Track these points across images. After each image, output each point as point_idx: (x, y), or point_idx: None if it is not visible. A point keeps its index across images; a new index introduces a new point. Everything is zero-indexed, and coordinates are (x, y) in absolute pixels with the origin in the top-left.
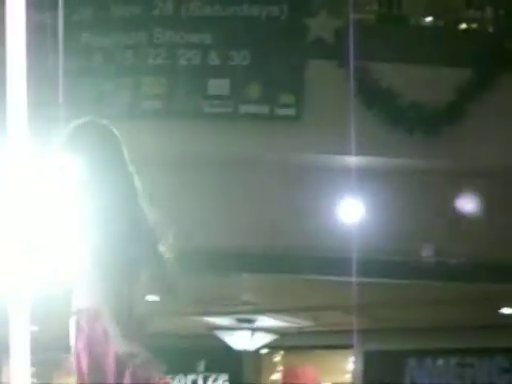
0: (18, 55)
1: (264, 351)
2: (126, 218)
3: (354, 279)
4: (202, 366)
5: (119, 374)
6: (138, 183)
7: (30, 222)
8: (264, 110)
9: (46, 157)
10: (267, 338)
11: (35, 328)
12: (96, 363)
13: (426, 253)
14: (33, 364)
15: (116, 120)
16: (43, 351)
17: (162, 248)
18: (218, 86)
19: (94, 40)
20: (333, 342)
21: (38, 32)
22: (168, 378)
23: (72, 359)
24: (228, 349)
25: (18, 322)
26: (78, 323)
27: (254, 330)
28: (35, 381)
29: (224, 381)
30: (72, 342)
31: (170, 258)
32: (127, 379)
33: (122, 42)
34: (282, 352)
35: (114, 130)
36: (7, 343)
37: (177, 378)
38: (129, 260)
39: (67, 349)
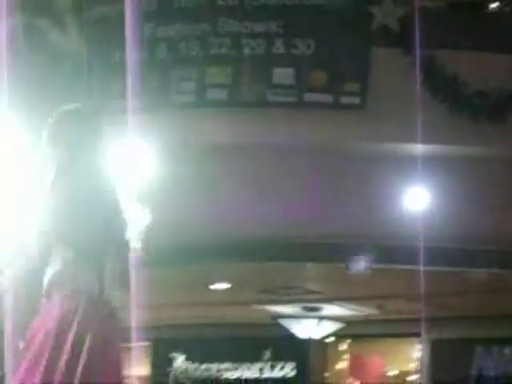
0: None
1: (330, 340)
2: (99, 208)
3: (420, 267)
4: (268, 354)
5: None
6: (114, 177)
7: None
8: (328, 98)
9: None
10: (333, 327)
11: None
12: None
13: (492, 240)
14: None
15: (181, 110)
16: None
17: (127, 244)
18: (283, 74)
19: (159, 31)
20: (399, 330)
21: (103, 24)
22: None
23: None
24: (294, 337)
25: None
26: (49, 303)
27: (320, 318)
28: None
29: (291, 369)
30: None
31: (132, 256)
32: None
33: (187, 33)
34: (348, 340)
35: (98, 119)
36: None
37: (243, 367)
38: (98, 249)
39: (132, 339)
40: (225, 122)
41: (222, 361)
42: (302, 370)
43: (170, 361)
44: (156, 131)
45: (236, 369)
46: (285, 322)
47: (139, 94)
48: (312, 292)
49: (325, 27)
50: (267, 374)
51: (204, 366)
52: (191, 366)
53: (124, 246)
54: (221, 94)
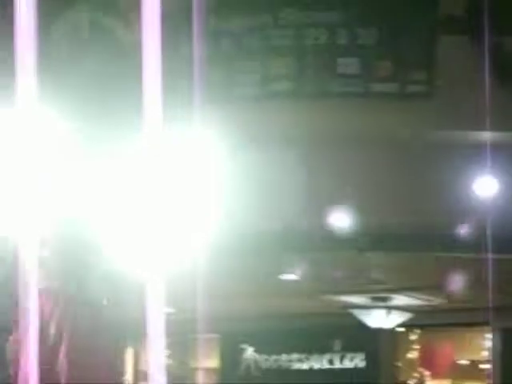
0: (153, 43)
1: (400, 329)
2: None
3: (489, 256)
4: (338, 345)
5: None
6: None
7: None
8: (395, 87)
9: (182, 142)
10: (403, 317)
11: (171, 310)
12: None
13: None
14: (169, 346)
15: (246, 102)
16: (179, 334)
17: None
18: (347, 64)
19: (221, 24)
20: (469, 319)
21: (169, 19)
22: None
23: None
24: (364, 328)
25: (154, 305)
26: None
27: (389, 308)
28: (172, 363)
29: (360, 360)
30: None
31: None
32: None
33: (249, 25)
34: (418, 330)
35: None
36: (144, 328)
37: (313, 358)
38: (77, 249)
39: (201, 331)
40: (289, 113)
41: (291, 352)
42: (372, 360)
43: (239, 353)
44: (221, 124)
45: (305, 360)
46: (355, 313)
47: (204, 88)
48: (380, 282)
49: (389, 16)
50: (337, 364)
51: (273, 358)
52: (261, 358)
53: (110, 245)
54: (285, 86)
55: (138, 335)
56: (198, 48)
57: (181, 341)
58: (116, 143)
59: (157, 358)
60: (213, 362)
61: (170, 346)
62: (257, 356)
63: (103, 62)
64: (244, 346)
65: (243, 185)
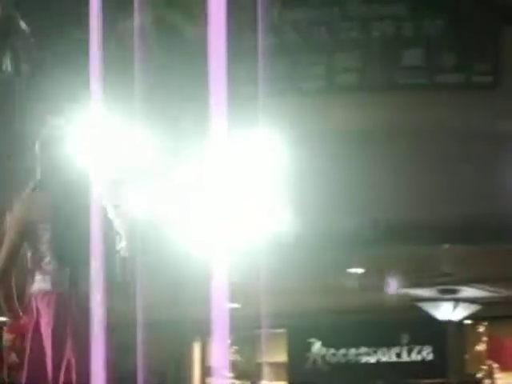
0: (218, 37)
1: (468, 322)
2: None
3: None
4: (405, 338)
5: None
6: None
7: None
8: (460, 78)
9: (249, 134)
10: (471, 309)
11: (236, 306)
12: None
13: None
14: (236, 342)
15: (311, 95)
16: (246, 329)
17: (116, 249)
18: (413, 56)
19: (287, 17)
20: None
21: (234, 11)
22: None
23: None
24: (431, 320)
25: (219, 301)
26: (31, 304)
27: (457, 300)
28: (238, 358)
29: (428, 353)
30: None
31: (122, 260)
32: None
33: (315, 18)
34: (485, 322)
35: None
36: (209, 325)
37: (380, 351)
38: (75, 250)
39: (268, 326)
40: (355, 106)
41: (358, 346)
42: (439, 353)
43: (307, 347)
44: (286, 117)
45: (373, 353)
46: (422, 305)
47: (269, 80)
48: (449, 274)
49: (454, 7)
50: (405, 357)
51: (341, 352)
52: (328, 352)
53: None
54: (351, 79)
55: (205, 330)
56: (262, 41)
57: (248, 336)
58: (184, 136)
59: (223, 353)
60: (280, 356)
61: (236, 341)
62: (324, 350)
63: (169, 58)
64: (312, 340)
65: (310, 180)
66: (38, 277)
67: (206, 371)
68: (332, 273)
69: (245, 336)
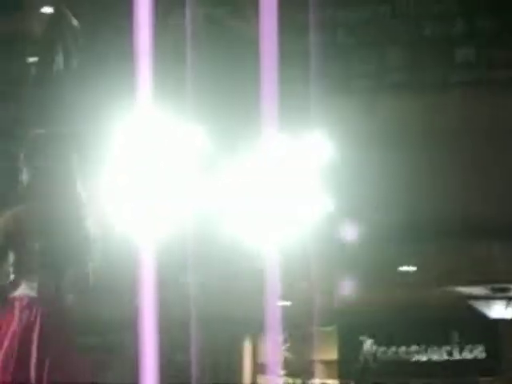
0: (270, 36)
1: None
2: (68, 221)
3: None
4: (456, 336)
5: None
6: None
7: None
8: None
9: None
10: None
11: (288, 303)
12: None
13: None
14: (287, 339)
15: (362, 93)
16: (297, 327)
17: (89, 250)
18: (465, 53)
19: (338, 15)
20: None
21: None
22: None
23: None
24: (483, 319)
25: (271, 299)
26: (12, 309)
27: (510, 299)
28: (290, 355)
29: (480, 351)
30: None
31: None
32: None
33: (366, 16)
34: None
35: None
36: (261, 322)
37: (432, 349)
38: (61, 258)
39: (319, 323)
40: (406, 104)
41: (409, 344)
42: (492, 351)
43: (358, 345)
44: (336, 115)
45: (424, 352)
46: (474, 304)
47: (321, 79)
48: (501, 272)
49: (506, 3)
50: (456, 356)
51: (392, 350)
52: (379, 350)
53: (85, 257)
54: (402, 76)
55: (256, 327)
56: (314, 39)
57: (299, 334)
58: (235, 133)
59: (276, 350)
60: (331, 354)
61: (288, 338)
62: (375, 348)
63: (221, 56)
64: (363, 338)
65: (364, 179)
66: (21, 284)
67: (257, 368)
68: (384, 270)
69: (296, 334)
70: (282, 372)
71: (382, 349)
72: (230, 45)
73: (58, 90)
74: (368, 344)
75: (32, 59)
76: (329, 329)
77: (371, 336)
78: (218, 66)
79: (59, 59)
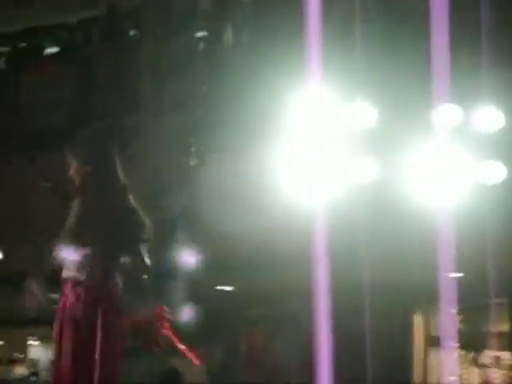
0: (441, 7)
1: None
2: (120, 214)
3: None
4: None
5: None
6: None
7: None
8: None
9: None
10: None
11: (460, 274)
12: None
13: None
14: (461, 311)
15: None
16: (469, 298)
17: (141, 237)
18: None
19: None
20: None
21: None
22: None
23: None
24: None
25: (444, 269)
26: (63, 289)
27: None
28: (463, 327)
29: None
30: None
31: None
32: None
33: None
34: None
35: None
36: (434, 293)
37: None
38: (111, 246)
39: (492, 295)
40: None
41: None
42: None
43: None
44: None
45: None
46: None
47: (492, 51)
48: None
49: None
50: None
51: None
52: None
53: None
54: None
55: (428, 300)
56: (485, 12)
57: (472, 305)
58: (406, 111)
59: (450, 323)
60: (503, 326)
61: (461, 310)
62: None
63: (389, 29)
64: None
65: None
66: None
67: (429, 340)
68: None
69: (469, 305)
70: (455, 344)
71: None
72: (401, 18)
73: (228, 64)
74: None
75: (200, 34)
76: (501, 300)
77: None
78: (388, 39)
79: (228, 33)
